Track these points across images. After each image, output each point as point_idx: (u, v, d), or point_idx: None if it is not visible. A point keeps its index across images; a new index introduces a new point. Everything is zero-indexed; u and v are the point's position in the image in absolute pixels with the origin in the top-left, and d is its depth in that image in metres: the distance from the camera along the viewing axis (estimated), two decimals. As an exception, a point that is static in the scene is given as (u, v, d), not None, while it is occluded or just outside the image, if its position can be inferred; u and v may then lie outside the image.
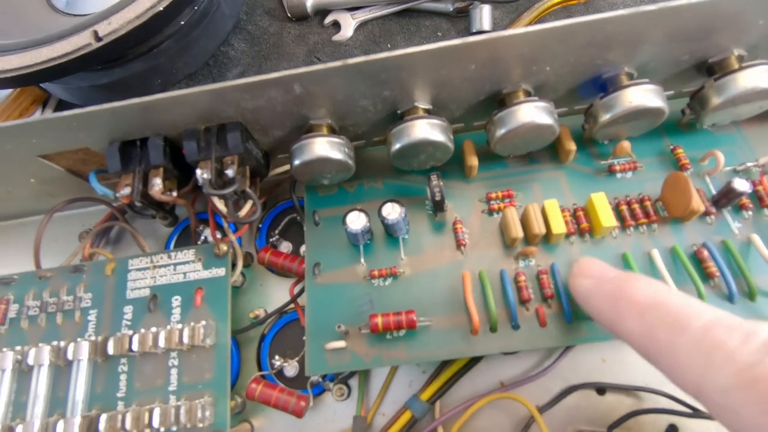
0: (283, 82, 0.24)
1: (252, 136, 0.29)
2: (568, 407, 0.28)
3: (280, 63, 0.44)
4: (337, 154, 0.27)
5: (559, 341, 0.25)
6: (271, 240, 0.32)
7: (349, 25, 0.44)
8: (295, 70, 0.24)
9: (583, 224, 0.27)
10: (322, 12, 0.43)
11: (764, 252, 0.24)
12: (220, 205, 0.28)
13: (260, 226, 0.34)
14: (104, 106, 0.25)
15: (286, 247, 0.33)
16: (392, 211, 0.27)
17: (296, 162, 0.27)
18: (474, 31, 0.40)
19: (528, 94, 0.28)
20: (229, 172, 0.27)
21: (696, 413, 0.26)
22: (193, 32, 0.40)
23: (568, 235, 0.27)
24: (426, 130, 0.27)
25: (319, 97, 0.26)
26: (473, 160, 0.29)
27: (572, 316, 0.25)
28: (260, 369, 0.30)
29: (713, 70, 0.27)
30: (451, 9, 0.42)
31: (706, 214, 0.26)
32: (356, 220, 0.27)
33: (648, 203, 0.27)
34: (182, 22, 0.39)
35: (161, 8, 0.32)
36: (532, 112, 0.26)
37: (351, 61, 0.24)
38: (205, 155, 0.27)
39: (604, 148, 0.30)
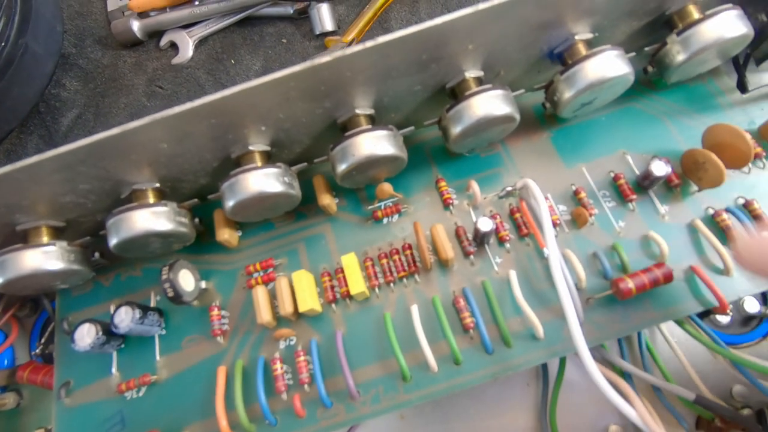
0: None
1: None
2: (372, 474, 0.27)
3: (120, 98, 0.39)
4: (54, 265, 0.23)
5: (318, 429, 0.22)
6: (35, 351, 0.29)
7: (186, 44, 0.39)
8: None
9: (343, 288, 0.25)
10: (155, 34, 0.38)
11: (517, 292, 0.23)
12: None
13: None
14: None
15: (62, 351, 0.30)
16: (124, 318, 0.23)
17: (-1, 281, 0.23)
18: (318, 33, 0.37)
19: (265, 155, 0.25)
20: None
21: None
22: (-2, 83, 0.34)
23: (329, 303, 0.25)
24: (149, 221, 0.23)
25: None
26: (224, 234, 0.26)
27: (330, 400, 0.23)
28: (45, 499, 0.27)
29: (455, 93, 0.25)
30: (292, 11, 0.38)
31: (467, 254, 0.25)
32: (85, 336, 0.23)
33: (409, 252, 0.25)
34: (-19, 75, 0.33)
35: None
36: (260, 181, 0.23)
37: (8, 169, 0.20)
38: None
39: (372, 191, 0.27)
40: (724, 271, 0.23)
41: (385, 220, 0.27)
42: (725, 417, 0.24)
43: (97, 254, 0.26)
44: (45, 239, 0.24)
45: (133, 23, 0.37)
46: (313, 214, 0.27)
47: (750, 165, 0.25)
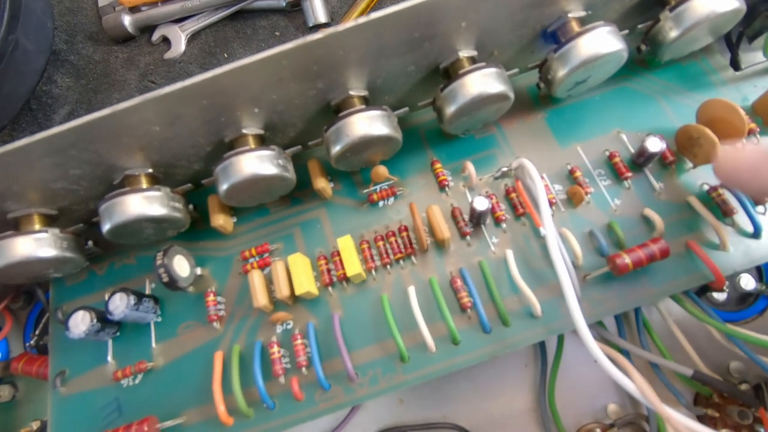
0: None
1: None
2: (372, 457, 0.27)
3: (112, 93, 0.39)
4: (47, 252, 0.23)
5: (316, 412, 0.23)
6: (30, 343, 0.29)
7: (179, 39, 0.39)
8: None
9: (339, 271, 0.24)
10: (147, 29, 0.38)
11: (514, 271, 0.23)
12: None
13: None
14: None
15: (57, 343, 0.29)
16: (119, 305, 0.23)
17: (-9, 269, 0.23)
18: (311, 25, 0.37)
19: (259, 138, 0.24)
20: None
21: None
22: (-12, 80, 0.33)
23: (326, 286, 0.25)
24: (142, 205, 0.23)
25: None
26: (218, 219, 0.26)
27: (328, 382, 0.23)
28: (42, 491, 0.27)
29: (448, 73, 0.25)
30: (284, 4, 0.38)
31: (464, 235, 0.25)
32: (80, 323, 0.23)
33: (405, 234, 0.25)
34: (-30, 72, 0.33)
35: None
36: (253, 164, 0.23)
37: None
38: None
39: (367, 174, 0.27)
40: (720, 246, 0.23)
41: (380, 203, 0.26)
42: (723, 392, 0.24)
43: (90, 242, 0.26)
44: (37, 227, 0.24)
45: (124, 18, 0.37)
46: (309, 198, 0.27)
47: (744, 140, 0.25)
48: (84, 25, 0.39)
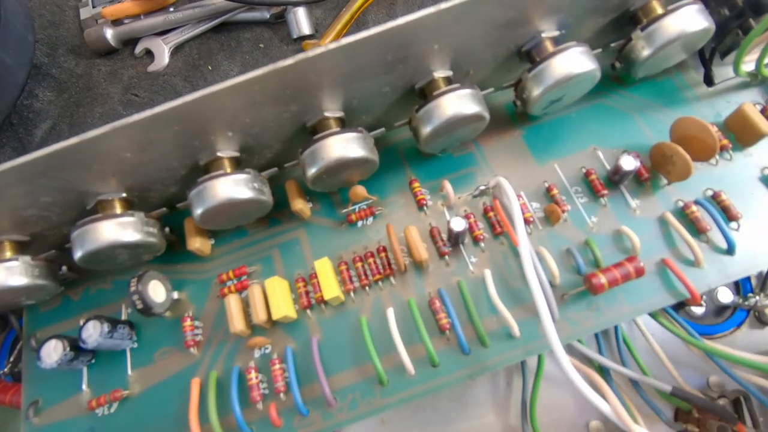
0: None
1: None
2: (355, 480, 0.26)
3: (95, 107, 0.38)
4: (18, 280, 0.23)
5: (296, 439, 0.22)
6: (3, 370, 0.28)
7: (162, 52, 0.38)
8: None
9: (317, 294, 0.24)
10: (130, 41, 0.37)
11: (492, 291, 0.23)
12: None
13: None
14: None
15: (33, 369, 0.29)
16: (92, 333, 0.23)
17: (-39, 300, 0.22)
18: (295, 37, 0.37)
19: (235, 161, 0.24)
20: None
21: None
22: (-33, 96, 0.33)
23: (304, 309, 0.24)
24: (115, 232, 0.23)
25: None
26: (195, 242, 0.25)
27: (306, 408, 0.22)
28: None
29: (424, 93, 0.25)
30: (268, 16, 0.38)
31: (442, 255, 0.25)
32: (52, 353, 0.23)
33: (384, 255, 0.25)
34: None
35: None
36: (228, 188, 0.23)
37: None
38: None
39: (345, 194, 0.27)
40: (695, 263, 0.24)
41: (359, 223, 0.26)
42: (701, 407, 0.24)
43: (64, 268, 0.26)
44: (8, 254, 0.23)
45: (106, 31, 0.37)
46: (287, 219, 0.27)
47: (717, 157, 0.26)
48: (66, 38, 0.39)
